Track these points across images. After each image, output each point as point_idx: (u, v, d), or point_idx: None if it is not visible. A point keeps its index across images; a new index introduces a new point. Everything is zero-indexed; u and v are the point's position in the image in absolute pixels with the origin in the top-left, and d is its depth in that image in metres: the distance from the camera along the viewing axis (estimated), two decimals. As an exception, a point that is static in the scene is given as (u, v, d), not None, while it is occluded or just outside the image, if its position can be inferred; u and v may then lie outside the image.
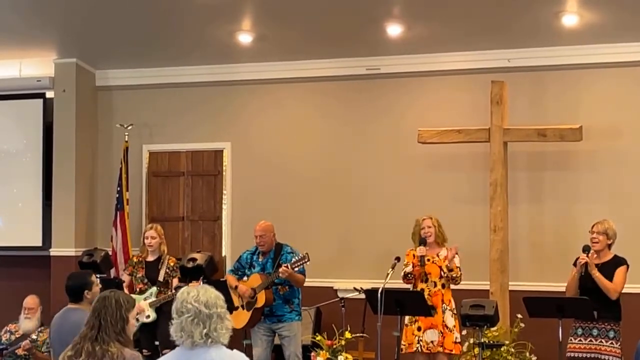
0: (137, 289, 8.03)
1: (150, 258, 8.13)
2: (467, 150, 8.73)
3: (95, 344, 4.15)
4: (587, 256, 6.69)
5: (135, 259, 8.28)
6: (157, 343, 7.91)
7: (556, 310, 6.57)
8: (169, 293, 7.87)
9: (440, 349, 7.27)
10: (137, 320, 7.91)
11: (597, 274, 6.66)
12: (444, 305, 7.31)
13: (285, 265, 7.37)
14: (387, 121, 9.20)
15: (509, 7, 7.76)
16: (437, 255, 7.41)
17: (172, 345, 3.83)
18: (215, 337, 3.70)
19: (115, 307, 4.25)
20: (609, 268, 6.73)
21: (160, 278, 8.00)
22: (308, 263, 7.44)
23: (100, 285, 5.86)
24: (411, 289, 7.40)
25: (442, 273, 7.33)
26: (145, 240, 8.15)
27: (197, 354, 3.69)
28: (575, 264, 6.84)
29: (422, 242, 7.40)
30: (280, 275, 7.36)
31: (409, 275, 7.41)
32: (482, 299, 7.14)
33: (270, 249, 7.69)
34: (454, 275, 7.30)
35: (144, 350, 7.88)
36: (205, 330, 3.68)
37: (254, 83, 9.59)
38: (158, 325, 7.68)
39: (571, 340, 6.78)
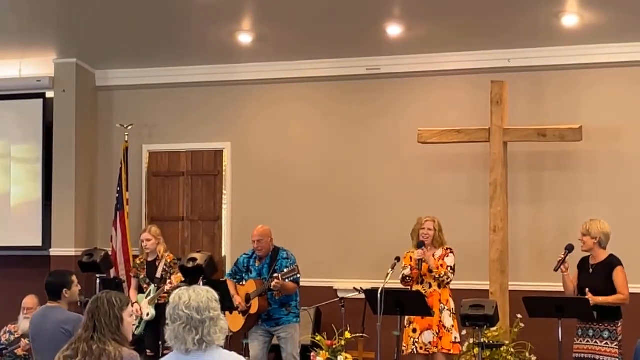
0: (144, 290, 8.23)
1: (150, 258, 8.33)
2: (467, 151, 8.73)
3: (92, 343, 4.16)
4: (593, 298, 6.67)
5: (138, 261, 8.46)
6: (160, 343, 7.95)
7: (556, 310, 6.58)
8: (163, 287, 7.96)
9: (436, 350, 7.25)
10: (141, 319, 7.99)
11: (600, 300, 6.62)
12: (441, 305, 7.28)
13: (277, 276, 7.37)
14: (387, 121, 9.20)
15: (509, 7, 7.76)
16: (433, 256, 7.39)
17: None
18: (209, 341, 3.68)
19: (108, 306, 4.26)
20: (603, 268, 6.73)
21: (158, 275, 8.16)
22: (299, 276, 7.44)
23: (79, 287, 5.86)
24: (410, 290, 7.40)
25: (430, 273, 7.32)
26: (142, 244, 8.34)
27: (192, 358, 3.68)
28: (578, 268, 6.90)
29: (421, 244, 7.36)
30: (272, 287, 7.39)
31: (407, 279, 7.40)
32: (482, 299, 7.14)
33: (268, 254, 7.68)
34: (437, 275, 7.27)
35: (147, 350, 7.92)
36: (197, 337, 3.65)
37: (254, 83, 9.59)
38: (161, 324, 7.71)
39: (574, 340, 6.80)
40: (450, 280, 7.33)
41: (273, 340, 7.72)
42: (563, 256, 6.88)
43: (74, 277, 5.77)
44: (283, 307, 7.58)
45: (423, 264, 7.27)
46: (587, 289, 6.67)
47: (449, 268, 7.31)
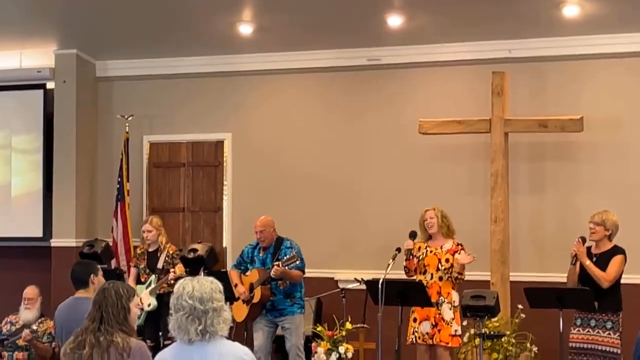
0: (143, 279, 8.22)
1: (151, 249, 8.35)
2: (468, 141, 8.73)
3: (99, 335, 4.15)
4: (578, 247, 6.74)
5: (138, 251, 8.47)
6: (160, 333, 7.97)
7: (557, 300, 6.59)
8: (164, 277, 7.99)
9: (432, 341, 7.20)
10: (142, 310, 8.00)
11: (587, 263, 6.69)
12: (440, 297, 7.22)
13: (277, 264, 7.38)
14: (388, 112, 9.19)
15: (510, -3, 7.76)
16: (441, 248, 7.34)
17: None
18: (212, 331, 3.68)
19: (116, 297, 4.26)
20: (606, 258, 6.73)
21: (159, 266, 8.19)
22: (298, 262, 7.41)
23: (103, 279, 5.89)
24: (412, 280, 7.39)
25: (440, 266, 7.27)
26: (143, 235, 8.37)
27: (195, 349, 3.69)
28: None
29: (412, 235, 7.36)
30: (272, 274, 7.38)
31: (406, 269, 7.41)
32: (483, 289, 7.15)
33: (271, 244, 7.69)
34: (457, 276, 7.26)
35: (147, 341, 7.93)
36: (200, 327, 3.66)
37: (254, 74, 9.58)
38: (161, 315, 7.73)
39: (571, 330, 6.80)
40: (463, 279, 7.31)
41: (277, 330, 7.74)
42: (576, 249, 6.82)
43: (99, 267, 5.81)
44: (287, 297, 7.60)
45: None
46: (578, 241, 6.74)
47: (463, 267, 7.21)
